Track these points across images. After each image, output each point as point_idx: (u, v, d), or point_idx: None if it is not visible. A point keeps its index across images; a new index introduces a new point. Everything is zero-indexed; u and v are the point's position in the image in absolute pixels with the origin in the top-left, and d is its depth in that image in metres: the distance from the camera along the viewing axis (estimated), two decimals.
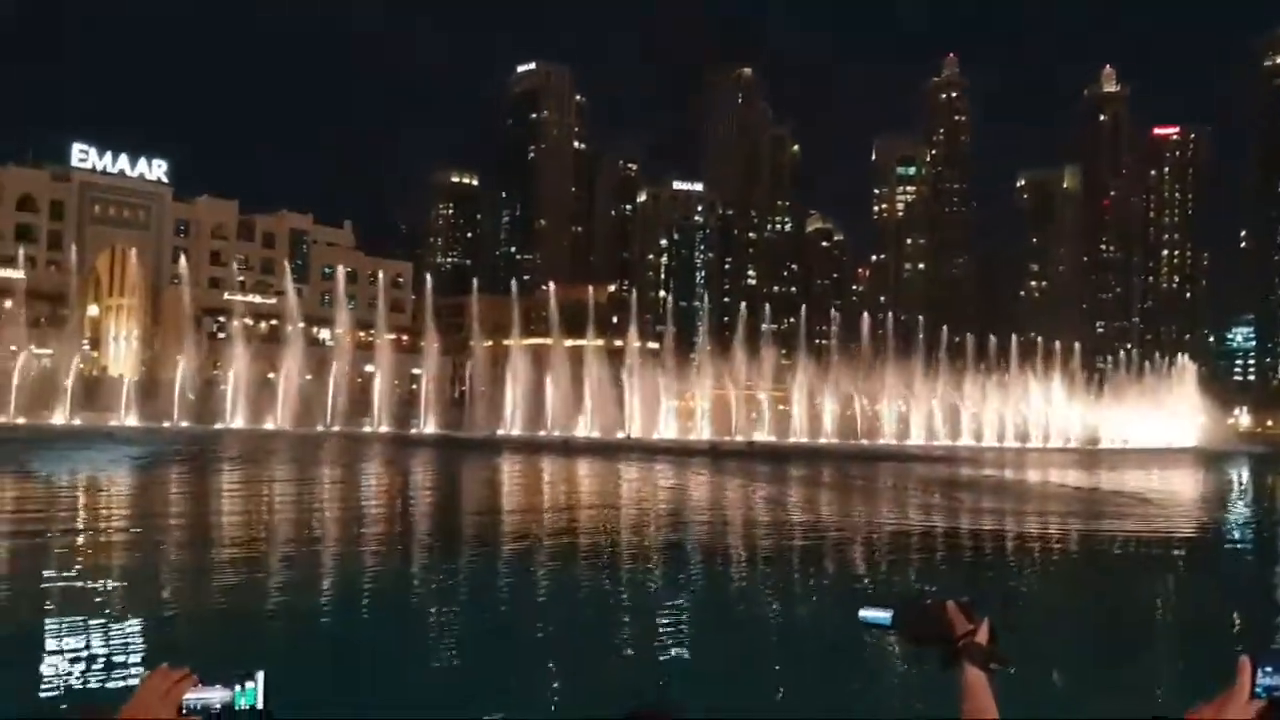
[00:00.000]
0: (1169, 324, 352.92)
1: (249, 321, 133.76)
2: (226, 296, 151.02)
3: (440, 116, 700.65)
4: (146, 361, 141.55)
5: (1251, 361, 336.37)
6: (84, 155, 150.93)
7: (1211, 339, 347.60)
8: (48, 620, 19.02)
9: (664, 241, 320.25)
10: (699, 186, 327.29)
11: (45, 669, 15.51)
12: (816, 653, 18.15)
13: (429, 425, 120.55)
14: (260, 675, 3.14)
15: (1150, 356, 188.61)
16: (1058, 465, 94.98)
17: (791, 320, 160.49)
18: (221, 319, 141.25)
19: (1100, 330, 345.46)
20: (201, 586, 23.55)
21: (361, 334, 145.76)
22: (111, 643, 17.54)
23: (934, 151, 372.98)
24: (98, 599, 21.45)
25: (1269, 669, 2.75)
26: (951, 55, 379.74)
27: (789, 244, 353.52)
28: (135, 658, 16.38)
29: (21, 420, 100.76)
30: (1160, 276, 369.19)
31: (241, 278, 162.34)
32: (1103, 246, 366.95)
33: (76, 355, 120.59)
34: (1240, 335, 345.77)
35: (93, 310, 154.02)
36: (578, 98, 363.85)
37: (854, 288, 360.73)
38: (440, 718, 13.26)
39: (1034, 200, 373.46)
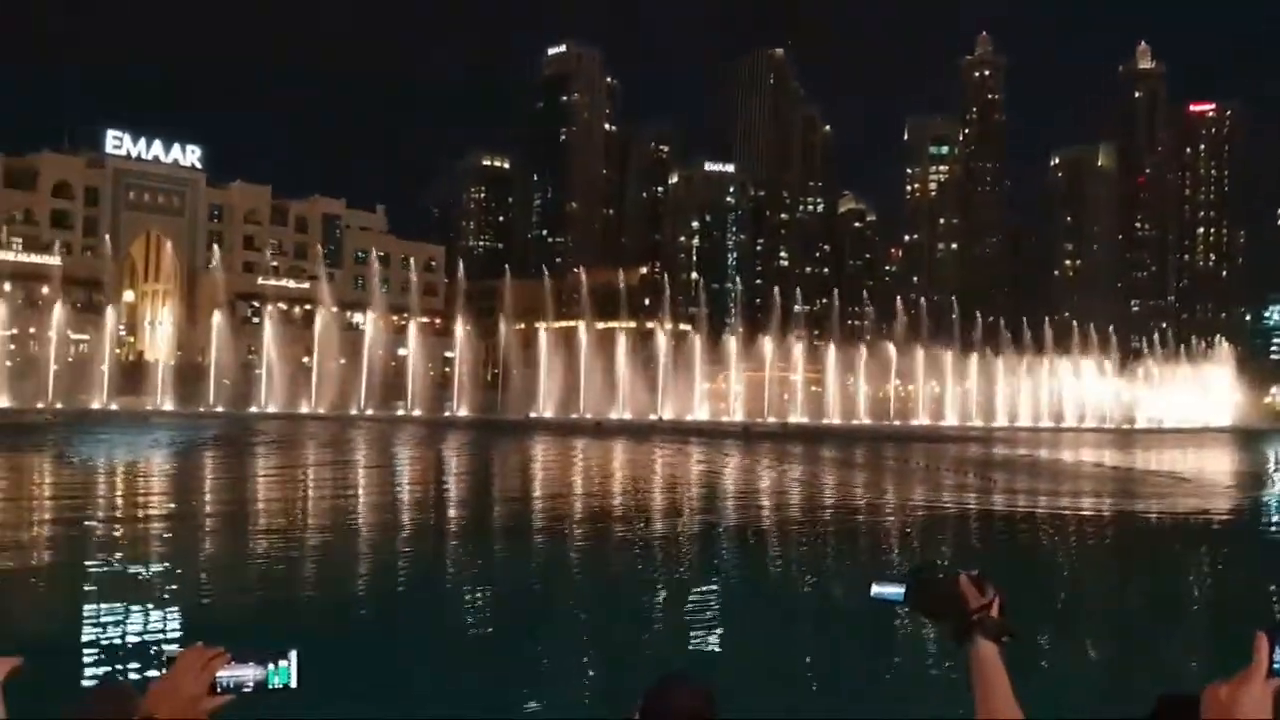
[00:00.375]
0: (1204, 302, 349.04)
1: (283, 306, 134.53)
2: (260, 281, 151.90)
3: (472, 100, 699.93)
4: (182, 346, 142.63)
5: None
6: (118, 142, 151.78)
7: (1248, 317, 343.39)
8: (113, 602, 19.28)
9: (695, 223, 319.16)
10: (730, 168, 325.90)
11: (99, 649, 15.71)
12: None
13: (462, 408, 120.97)
14: (293, 654, 3.15)
15: (1186, 336, 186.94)
16: (1093, 445, 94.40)
17: (824, 301, 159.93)
18: (255, 304, 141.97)
19: (1135, 309, 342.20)
20: (268, 567, 23.78)
21: (394, 318, 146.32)
22: (168, 621, 17.77)
23: (967, 130, 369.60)
24: (159, 579, 21.69)
25: None
26: (985, 34, 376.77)
27: (821, 225, 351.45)
28: (191, 636, 16.54)
29: (60, 405, 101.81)
30: (1196, 254, 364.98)
31: (275, 263, 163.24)
32: (1137, 224, 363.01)
33: (113, 341, 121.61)
34: (1277, 313, 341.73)
35: (128, 296, 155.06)
36: (608, 80, 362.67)
37: (887, 268, 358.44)
38: (445, 717, 13.33)
39: (1068, 179, 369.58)
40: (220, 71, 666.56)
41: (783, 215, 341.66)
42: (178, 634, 17.15)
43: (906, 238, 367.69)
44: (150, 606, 19.01)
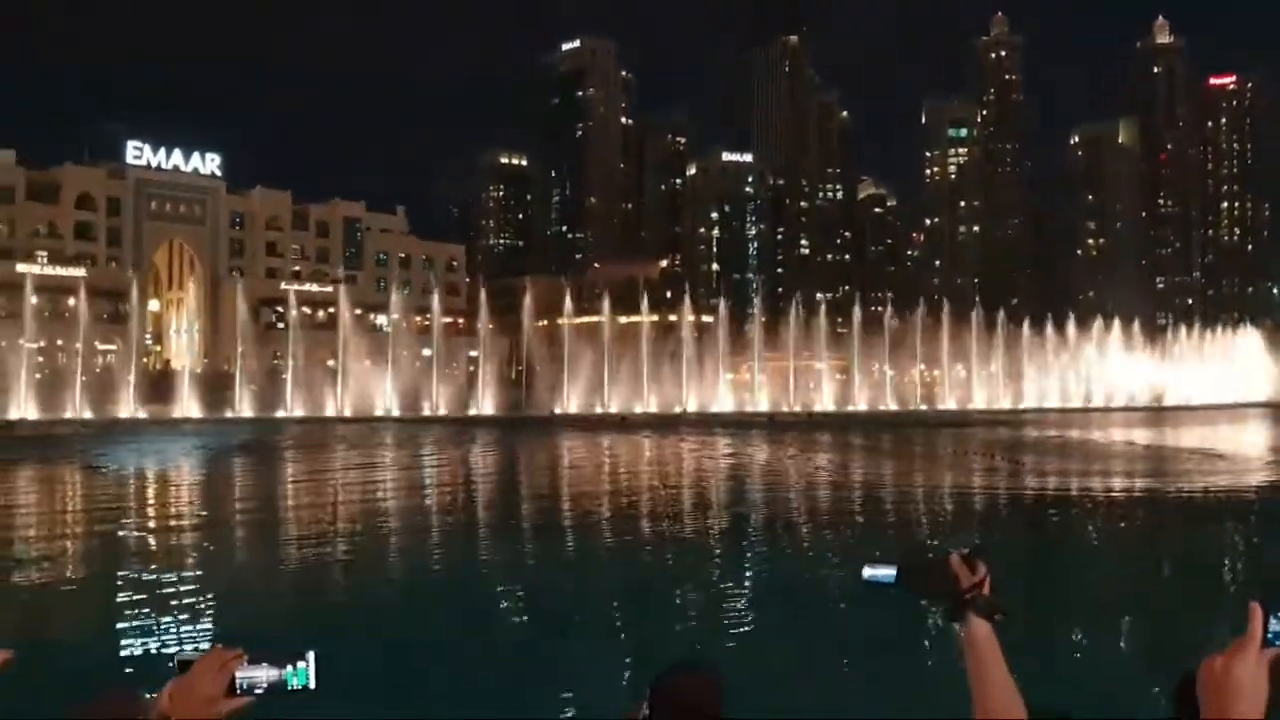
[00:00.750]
0: (1230, 277, 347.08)
1: (306, 310, 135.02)
2: (283, 286, 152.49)
3: (487, 99, 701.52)
4: (207, 353, 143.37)
5: None
6: (138, 152, 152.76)
7: (1275, 290, 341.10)
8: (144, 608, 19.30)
9: (714, 214, 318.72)
10: (748, 157, 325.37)
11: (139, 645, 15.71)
12: None
13: (487, 406, 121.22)
14: (311, 655, 3.17)
15: (1213, 312, 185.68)
16: (1122, 425, 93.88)
17: (846, 288, 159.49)
18: (279, 309, 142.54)
19: (1160, 286, 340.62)
20: (299, 570, 23.82)
21: (417, 318, 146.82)
22: (199, 624, 17.76)
23: (985, 112, 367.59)
24: (188, 584, 21.73)
25: None
26: (999, 14, 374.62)
27: (841, 212, 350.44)
28: (219, 638, 16.48)
29: (89, 415, 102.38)
30: (1220, 230, 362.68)
31: (297, 267, 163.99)
32: (1160, 201, 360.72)
33: (139, 349, 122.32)
34: None
35: (153, 305, 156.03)
36: (623, 73, 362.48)
37: (908, 253, 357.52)
38: (457, 717, 13.28)
39: (1089, 157, 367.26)
40: (221, 71, 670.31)
41: (802, 203, 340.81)
42: (207, 636, 17.17)
43: (927, 221, 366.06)
44: (178, 612, 19.03)
